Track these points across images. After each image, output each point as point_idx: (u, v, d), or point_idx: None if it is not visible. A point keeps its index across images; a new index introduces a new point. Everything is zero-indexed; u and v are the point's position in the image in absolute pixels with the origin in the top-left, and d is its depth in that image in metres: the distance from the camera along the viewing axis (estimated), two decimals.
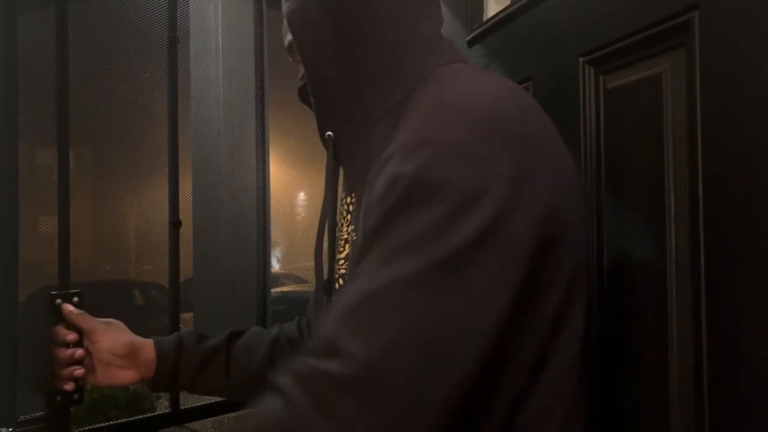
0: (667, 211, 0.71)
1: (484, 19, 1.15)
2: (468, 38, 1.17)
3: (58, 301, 0.95)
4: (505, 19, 1.04)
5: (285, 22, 0.79)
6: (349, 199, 0.80)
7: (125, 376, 0.92)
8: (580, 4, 0.85)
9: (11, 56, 0.95)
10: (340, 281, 0.79)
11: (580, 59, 0.85)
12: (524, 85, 0.99)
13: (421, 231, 0.56)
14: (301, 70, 0.79)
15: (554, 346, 0.64)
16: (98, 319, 0.94)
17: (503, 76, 1.05)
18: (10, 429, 0.93)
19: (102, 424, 1.12)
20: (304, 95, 0.82)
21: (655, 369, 0.73)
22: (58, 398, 0.91)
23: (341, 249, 0.80)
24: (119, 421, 1.18)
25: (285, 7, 0.78)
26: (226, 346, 0.97)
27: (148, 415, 1.23)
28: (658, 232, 0.72)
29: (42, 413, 0.95)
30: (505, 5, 1.07)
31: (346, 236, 0.79)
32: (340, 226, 0.81)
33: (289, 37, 0.79)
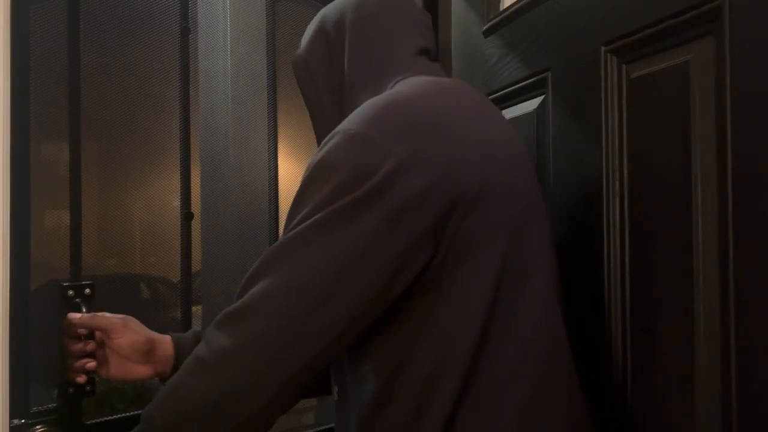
0: (693, 205, 0.69)
1: (501, 8, 1.13)
2: (484, 28, 1.15)
3: (71, 292, 0.97)
4: (523, 7, 1.02)
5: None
6: None
7: (141, 370, 0.94)
8: None
9: (23, 48, 0.94)
10: None
11: (603, 48, 0.84)
12: (542, 75, 0.97)
13: (316, 201, 0.67)
14: None
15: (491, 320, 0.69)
16: (113, 316, 0.94)
17: (521, 66, 1.03)
18: (23, 420, 0.93)
19: (112, 417, 1.13)
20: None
21: (681, 364, 0.71)
22: (71, 390, 0.93)
23: None
24: (131, 413, 1.18)
25: (293, 58, 0.91)
26: None
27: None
28: (684, 226, 0.70)
29: (54, 405, 0.96)
30: None
31: None
32: None
33: None
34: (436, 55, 0.88)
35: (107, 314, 0.95)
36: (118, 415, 1.15)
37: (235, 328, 0.67)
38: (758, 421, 0.62)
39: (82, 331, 0.91)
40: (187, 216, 1.21)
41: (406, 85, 0.76)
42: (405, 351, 0.70)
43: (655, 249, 0.76)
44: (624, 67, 0.81)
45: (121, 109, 1.16)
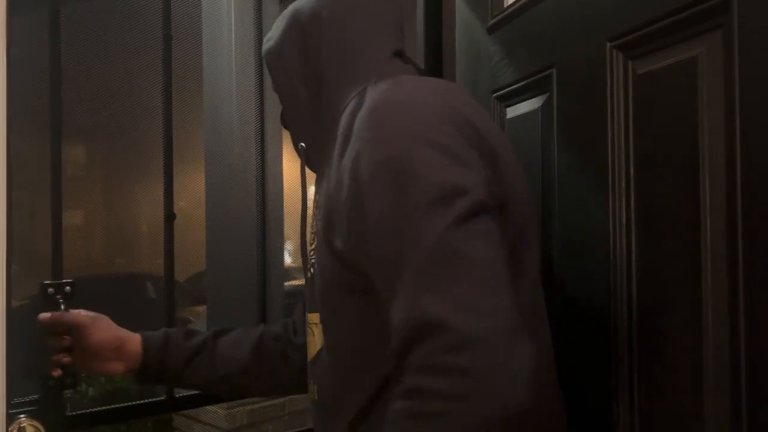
0: (702, 203, 0.68)
1: (505, 5, 1.11)
2: (488, 26, 1.13)
3: (51, 290, 1.01)
4: (527, 3, 1.00)
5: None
6: (317, 196, 0.87)
7: (112, 367, 0.98)
8: None
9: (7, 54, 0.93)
10: (311, 270, 0.86)
11: (608, 44, 0.82)
12: (546, 72, 0.96)
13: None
14: None
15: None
16: (84, 313, 0.98)
17: (525, 63, 1.01)
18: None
19: (98, 408, 1.18)
20: (284, 120, 0.92)
21: (690, 366, 0.70)
22: (51, 382, 0.96)
23: (311, 242, 0.88)
24: (114, 405, 1.22)
25: (263, 49, 0.90)
26: (213, 341, 1.02)
27: (144, 401, 1.25)
28: (692, 224, 0.69)
29: (36, 396, 1.01)
30: None
31: (315, 230, 0.85)
32: (313, 221, 0.89)
33: None
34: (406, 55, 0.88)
35: (82, 312, 0.98)
36: (101, 408, 1.20)
37: (469, 356, 0.57)
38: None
39: (58, 328, 0.95)
40: (168, 217, 1.23)
41: (410, 84, 0.77)
42: None
43: (662, 249, 0.74)
44: (630, 63, 0.80)
45: (125, 111, 1.17)
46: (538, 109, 0.99)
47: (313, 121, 0.84)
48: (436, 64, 1.36)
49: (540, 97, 0.99)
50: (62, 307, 0.99)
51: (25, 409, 0.99)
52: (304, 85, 0.84)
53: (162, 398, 1.21)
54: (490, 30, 1.12)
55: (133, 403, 1.22)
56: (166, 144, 1.24)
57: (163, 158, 1.23)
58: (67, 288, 1.02)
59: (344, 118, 0.78)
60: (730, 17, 0.64)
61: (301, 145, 0.87)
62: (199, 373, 1.01)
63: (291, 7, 0.88)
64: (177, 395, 1.22)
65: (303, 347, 0.95)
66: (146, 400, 1.23)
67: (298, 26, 0.85)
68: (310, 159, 0.88)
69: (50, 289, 1.01)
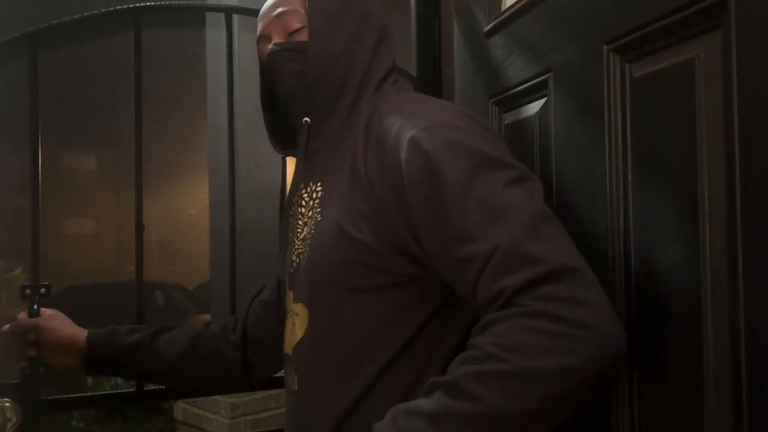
0: (700, 210, 0.65)
1: (503, 8, 1.09)
2: (485, 30, 1.12)
3: (28, 291, 1.13)
4: (524, 6, 0.98)
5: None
6: (315, 187, 0.88)
7: (67, 360, 1.10)
8: None
9: None
10: (297, 260, 0.88)
11: (605, 47, 0.80)
12: (544, 77, 0.93)
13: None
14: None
15: None
16: (44, 315, 1.11)
17: (523, 67, 0.99)
18: None
19: (71, 395, 1.34)
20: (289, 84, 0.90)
21: (690, 378, 0.67)
22: (26, 370, 1.12)
23: (299, 231, 0.88)
24: (88, 394, 1.44)
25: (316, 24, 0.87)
26: (151, 339, 1.10)
27: (114, 391, 1.43)
28: (690, 232, 0.66)
29: (16, 381, 1.15)
30: None
31: (306, 219, 0.87)
32: (295, 211, 0.91)
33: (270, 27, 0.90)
34: None
35: (48, 312, 1.11)
36: (71, 395, 1.35)
37: (595, 293, 0.65)
38: None
39: (21, 329, 1.09)
40: (137, 227, 1.31)
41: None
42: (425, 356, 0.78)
43: (661, 258, 0.72)
44: (627, 66, 0.78)
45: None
46: (536, 114, 0.97)
47: (334, 99, 0.86)
48: (435, 70, 1.34)
49: (537, 102, 0.97)
50: (35, 306, 1.12)
51: (6, 392, 1.14)
52: (348, 73, 0.86)
53: (132, 390, 1.31)
54: (488, 34, 1.11)
55: (103, 392, 1.26)
56: (137, 161, 1.32)
57: (134, 174, 1.32)
58: (42, 290, 1.14)
59: (363, 118, 0.83)
60: (728, 17, 0.62)
61: (306, 120, 0.87)
62: (140, 366, 1.09)
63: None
64: (146, 388, 1.30)
65: (238, 345, 1.06)
66: (116, 391, 1.33)
67: (365, 15, 0.88)
68: (310, 138, 0.88)
69: (27, 291, 1.13)
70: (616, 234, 0.79)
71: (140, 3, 1.27)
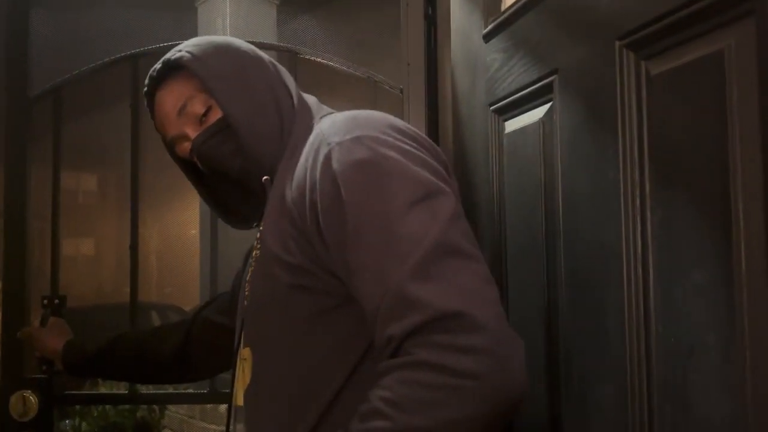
0: (734, 224, 0.56)
1: (503, 9, 1.01)
2: (484, 32, 1.03)
3: (45, 301, 1.34)
4: (525, 6, 0.90)
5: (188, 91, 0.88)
6: (259, 227, 0.88)
7: (58, 364, 1.24)
8: None
9: None
10: (245, 303, 0.87)
11: (617, 43, 0.71)
12: (549, 79, 0.85)
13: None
14: (187, 147, 0.90)
15: None
16: (48, 324, 1.27)
17: (525, 70, 0.91)
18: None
19: (73, 392, 1.57)
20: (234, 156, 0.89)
21: (720, 417, 0.57)
22: (43, 367, 1.31)
23: (248, 275, 0.88)
24: (90, 392, 1.79)
25: (199, 66, 0.86)
26: (115, 340, 1.22)
27: (112, 392, 1.70)
28: (722, 251, 0.57)
29: (37, 376, 1.36)
30: None
31: (252, 261, 0.87)
32: (251, 259, 0.90)
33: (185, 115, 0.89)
34: None
35: (51, 321, 1.27)
36: (76, 392, 1.59)
37: (481, 338, 0.62)
38: None
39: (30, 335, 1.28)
40: (131, 246, 1.43)
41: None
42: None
43: (686, 279, 0.62)
44: (643, 63, 0.69)
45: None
46: (540, 120, 0.88)
47: (276, 152, 0.86)
48: (431, 76, 1.26)
49: (541, 107, 0.88)
50: (48, 314, 1.30)
51: (28, 385, 1.35)
52: (276, 118, 0.86)
53: (125, 392, 1.49)
54: (487, 37, 1.02)
55: (103, 392, 1.70)
56: (133, 186, 1.45)
57: (130, 195, 1.45)
58: (56, 300, 1.34)
59: (303, 150, 0.81)
60: (763, 2, 0.53)
61: (266, 179, 0.85)
62: (103, 367, 1.22)
63: (231, 42, 0.91)
64: (140, 392, 1.49)
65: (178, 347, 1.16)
66: (111, 392, 1.66)
67: (256, 61, 0.89)
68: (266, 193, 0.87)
69: (45, 301, 1.34)
70: (632, 253, 0.69)
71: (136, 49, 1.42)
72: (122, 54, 1.42)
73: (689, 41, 0.62)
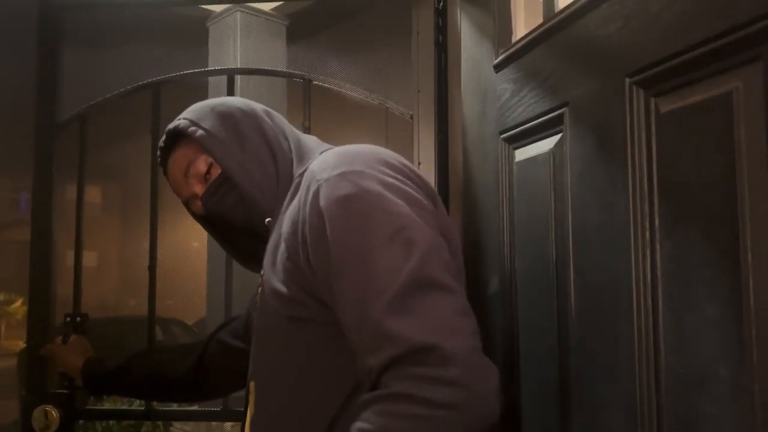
0: (743, 262, 0.57)
1: (514, 40, 1.03)
2: (495, 62, 1.06)
3: (68, 319, 1.40)
4: (537, 38, 0.92)
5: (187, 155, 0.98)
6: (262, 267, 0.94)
7: (78, 381, 1.32)
8: (627, 15, 0.73)
9: None
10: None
11: (627, 80, 0.73)
12: (559, 111, 0.87)
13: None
14: (198, 205, 0.99)
15: None
16: (69, 341, 1.35)
17: (535, 101, 0.93)
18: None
19: (93, 407, 1.59)
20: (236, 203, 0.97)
21: None
22: (65, 383, 1.37)
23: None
24: (109, 408, 1.85)
25: (198, 134, 0.95)
26: (131, 359, 1.28)
27: (131, 408, 1.81)
28: (731, 283, 0.58)
29: (59, 391, 1.41)
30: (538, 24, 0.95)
31: (257, 298, 0.94)
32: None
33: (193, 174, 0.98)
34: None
35: (72, 338, 1.35)
36: (95, 407, 1.64)
37: (455, 370, 0.64)
38: None
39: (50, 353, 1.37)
40: (149, 267, 1.49)
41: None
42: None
43: (695, 312, 0.64)
44: (653, 100, 0.71)
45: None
46: (550, 151, 0.90)
47: (272, 201, 0.92)
48: (441, 105, 1.28)
49: (551, 138, 0.90)
50: (70, 331, 1.37)
51: (50, 400, 1.39)
52: (272, 165, 0.93)
53: (142, 408, 1.49)
54: (498, 67, 1.04)
55: (120, 407, 1.83)
56: (153, 207, 1.50)
57: (150, 218, 1.50)
58: (78, 318, 1.40)
59: (298, 192, 0.85)
60: None
61: (269, 220, 0.92)
62: (120, 386, 1.28)
63: (225, 102, 0.99)
64: (155, 408, 1.50)
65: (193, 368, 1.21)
66: (127, 407, 1.79)
67: (250, 115, 0.96)
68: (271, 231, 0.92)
69: (67, 318, 1.40)
70: (641, 285, 0.70)
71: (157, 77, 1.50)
72: (143, 82, 1.49)
73: (698, 82, 0.64)
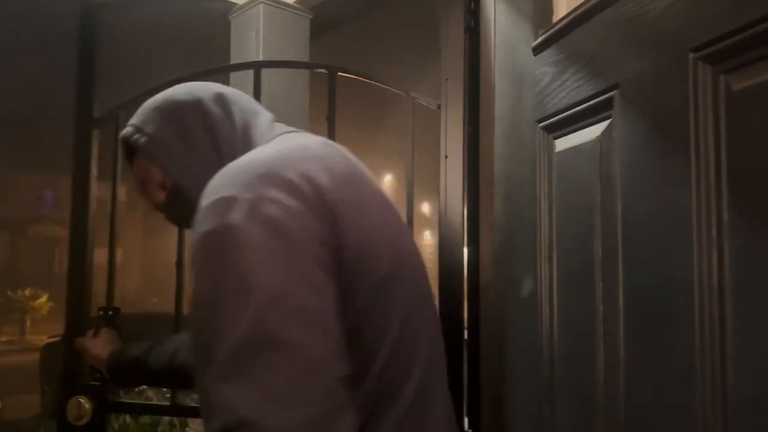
0: None
1: (555, 20, 0.95)
2: (533, 45, 0.97)
3: (101, 312, 1.42)
4: (582, 15, 0.84)
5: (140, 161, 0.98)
6: None
7: (105, 373, 1.32)
8: None
9: None
10: None
11: (691, 55, 0.64)
12: (608, 95, 0.78)
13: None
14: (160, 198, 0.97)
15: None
16: (99, 334, 1.36)
17: (580, 85, 0.84)
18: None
19: (123, 400, 1.66)
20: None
21: None
22: (97, 375, 1.42)
23: None
24: (133, 401, 1.83)
25: (142, 141, 0.94)
26: (149, 348, 1.26)
27: (156, 403, 1.90)
28: None
29: (92, 383, 1.46)
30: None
31: None
32: None
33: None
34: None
35: (102, 331, 1.36)
36: (125, 400, 1.68)
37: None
38: None
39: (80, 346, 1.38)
40: (177, 263, 1.48)
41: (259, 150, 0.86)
42: None
43: (766, 321, 0.55)
44: (722, 77, 0.62)
45: None
46: (597, 139, 0.81)
47: None
48: (472, 91, 1.20)
49: (598, 125, 0.81)
50: (102, 323, 1.39)
51: (84, 391, 1.44)
52: (217, 165, 0.85)
53: (167, 404, 1.50)
54: (537, 49, 0.96)
55: (145, 402, 1.88)
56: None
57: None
58: (110, 312, 1.42)
59: None
60: None
61: None
62: (141, 376, 1.27)
63: (170, 97, 0.95)
64: (179, 404, 1.50)
65: None
66: (154, 402, 1.93)
67: (195, 107, 0.92)
68: None
69: (100, 312, 1.42)
70: (705, 288, 0.62)
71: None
72: (171, 78, 1.46)
73: None
